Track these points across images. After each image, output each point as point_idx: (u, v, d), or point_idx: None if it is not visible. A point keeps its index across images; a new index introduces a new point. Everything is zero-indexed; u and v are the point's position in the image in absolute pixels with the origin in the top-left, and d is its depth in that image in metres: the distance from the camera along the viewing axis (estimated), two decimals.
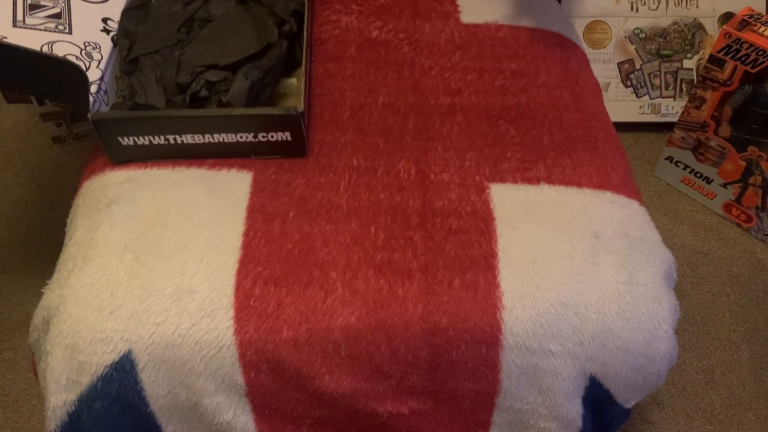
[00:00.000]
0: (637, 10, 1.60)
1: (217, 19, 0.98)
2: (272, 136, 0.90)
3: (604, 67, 1.62)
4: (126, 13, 1.00)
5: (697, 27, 1.60)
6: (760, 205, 1.44)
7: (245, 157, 0.93)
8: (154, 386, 0.79)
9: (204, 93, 0.91)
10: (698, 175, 1.51)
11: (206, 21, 0.99)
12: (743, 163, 1.43)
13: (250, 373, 0.79)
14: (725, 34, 1.31)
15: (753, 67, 1.31)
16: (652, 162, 1.61)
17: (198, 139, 0.90)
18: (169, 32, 0.96)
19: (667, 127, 1.65)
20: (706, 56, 1.56)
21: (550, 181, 0.92)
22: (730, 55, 1.33)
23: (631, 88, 1.63)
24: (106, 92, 0.93)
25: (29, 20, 0.91)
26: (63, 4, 0.96)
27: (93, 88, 0.90)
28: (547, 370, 0.81)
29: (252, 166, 0.92)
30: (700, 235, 1.48)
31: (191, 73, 0.91)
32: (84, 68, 0.90)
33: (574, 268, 0.83)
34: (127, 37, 0.97)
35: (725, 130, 1.42)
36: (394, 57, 1.08)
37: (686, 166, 1.52)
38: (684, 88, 1.63)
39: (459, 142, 0.96)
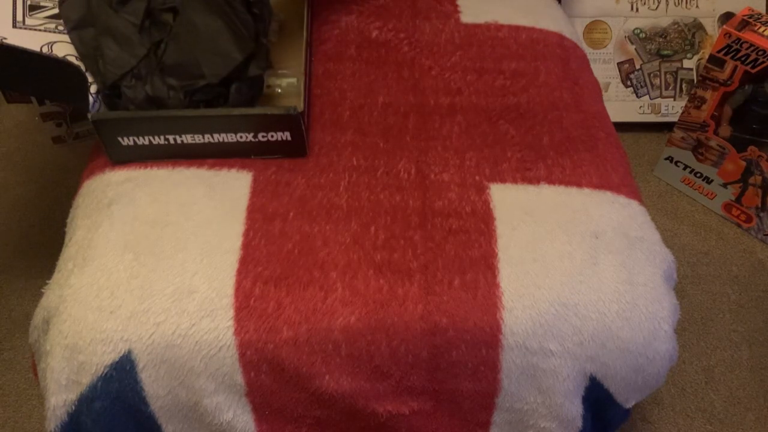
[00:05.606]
0: (637, 10, 1.60)
1: (181, 14, 0.92)
2: (272, 136, 0.90)
3: (604, 67, 1.62)
4: (63, 4, 0.93)
5: (697, 27, 1.60)
6: (760, 205, 1.44)
7: (245, 157, 0.93)
8: (154, 386, 0.79)
9: None
10: (698, 175, 1.51)
11: (164, 10, 0.93)
12: (743, 163, 1.43)
13: (250, 373, 0.79)
14: (725, 34, 1.31)
15: (753, 67, 1.31)
16: (652, 162, 1.61)
17: (198, 139, 0.90)
18: (135, 38, 0.90)
19: (667, 127, 1.65)
20: (706, 56, 1.56)
21: (550, 181, 0.92)
22: (730, 55, 1.33)
23: (631, 88, 1.63)
24: None
25: (29, 21, 0.91)
26: None
27: (93, 88, 0.90)
28: (547, 370, 0.81)
29: (252, 166, 0.92)
30: (700, 235, 1.48)
31: (183, 97, 0.89)
32: (84, 68, 0.90)
33: (574, 268, 0.83)
34: (82, 42, 0.89)
35: (725, 130, 1.42)
36: (394, 57, 1.08)
37: (686, 166, 1.52)
38: (684, 88, 1.63)
39: (459, 142, 0.96)
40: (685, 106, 1.45)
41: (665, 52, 1.61)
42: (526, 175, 0.93)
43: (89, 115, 0.87)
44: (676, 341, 0.86)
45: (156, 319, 0.78)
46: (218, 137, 0.90)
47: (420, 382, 0.82)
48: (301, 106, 0.89)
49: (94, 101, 0.89)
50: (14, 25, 0.90)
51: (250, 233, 0.84)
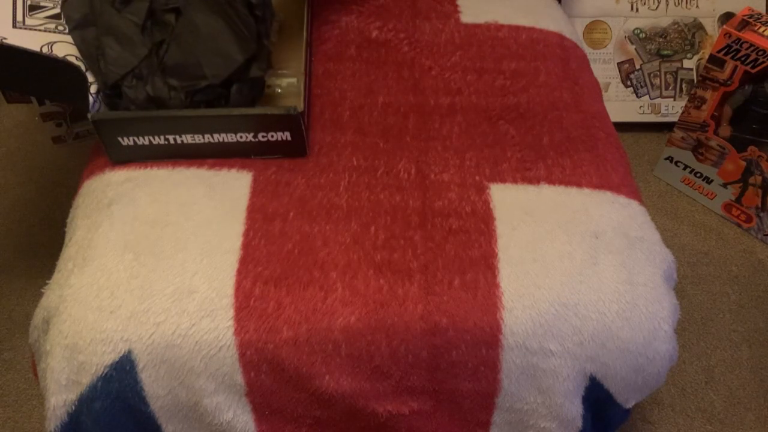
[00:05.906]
0: (637, 10, 1.60)
1: (183, 14, 0.92)
2: (272, 136, 0.90)
3: (604, 67, 1.62)
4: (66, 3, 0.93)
5: (697, 27, 1.60)
6: (760, 205, 1.44)
7: (245, 157, 0.93)
8: (154, 386, 0.79)
9: None
10: (698, 175, 1.51)
11: (166, 11, 0.93)
12: (743, 163, 1.43)
13: (250, 373, 0.79)
14: (725, 34, 1.31)
15: (753, 67, 1.31)
16: (652, 162, 1.61)
17: (198, 139, 0.90)
18: (136, 38, 0.90)
19: (667, 127, 1.65)
20: (706, 56, 1.56)
21: (550, 181, 0.92)
22: (730, 55, 1.33)
23: (631, 88, 1.63)
24: None
25: (29, 21, 0.91)
26: None
27: (93, 88, 0.90)
28: (547, 370, 0.81)
29: (252, 166, 0.92)
30: (700, 235, 1.48)
31: (184, 97, 0.89)
32: (84, 68, 0.90)
33: (574, 268, 0.83)
34: (84, 41, 0.89)
35: (725, 130, 1.42)
36: (394, 57, 1.08)
37: (686, 166, 1.52)
38: (684, 88, 1.63)
39: (459, 142, 0.96)
40: (685, 106, 1.45)
41: (665, 52, 1.61)
42: (526, 175, 0.93)
43: (89, 115, 0.87)
44: (676, 341, 0.86)
45: (156, 319, 0.78)
46: (218, 137, 0.90)
47: (420, 382, 0.82)
48: (301, 106, 0.89)
49: (94, 101, 0.90)
50: (14, 25, 0.90)
51: (250, 233, 0.84)
